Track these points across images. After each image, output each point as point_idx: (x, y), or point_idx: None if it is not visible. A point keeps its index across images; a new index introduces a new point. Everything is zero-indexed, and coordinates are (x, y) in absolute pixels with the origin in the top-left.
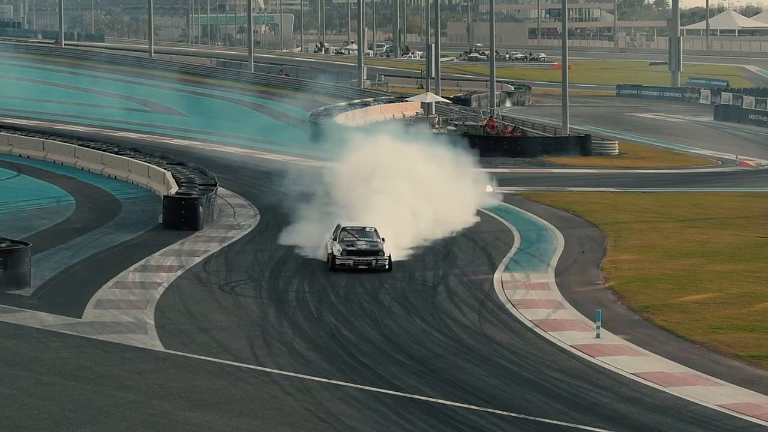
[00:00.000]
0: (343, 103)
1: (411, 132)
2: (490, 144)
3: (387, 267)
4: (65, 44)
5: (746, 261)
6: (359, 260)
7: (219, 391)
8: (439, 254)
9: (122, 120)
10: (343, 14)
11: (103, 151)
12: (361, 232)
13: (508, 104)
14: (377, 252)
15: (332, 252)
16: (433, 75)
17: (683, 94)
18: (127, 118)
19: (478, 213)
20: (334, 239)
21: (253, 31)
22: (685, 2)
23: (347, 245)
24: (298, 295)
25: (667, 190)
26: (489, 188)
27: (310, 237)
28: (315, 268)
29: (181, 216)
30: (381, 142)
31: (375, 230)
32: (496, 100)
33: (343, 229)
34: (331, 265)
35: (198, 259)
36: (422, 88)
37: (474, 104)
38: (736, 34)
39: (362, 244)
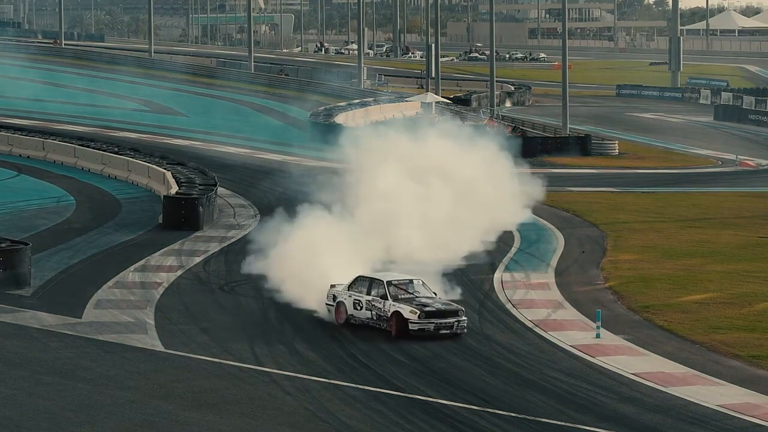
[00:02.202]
0: (343, 103)
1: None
2: None
3: (465, 329)
4: (65, 44)
5: (746, 261)
6: (441, 323)
7: (219, 391)
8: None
9: (122, 120)
10: (343, 14)
11: (103, 151)
12: (409, 285)
13: (508, 104)
14: (457, 312)
15: (394, 312)
16: (433, 75)
17: (683, 94)
18: (127, 118)
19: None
20: (383, 296)
21: (253, 31)
22: (685, 2)
23: (422, 305)
24: None
25: (667, 190)
26: None
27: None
28: None
29: (181, 216)
30: (398, 142)
31: (423, 282)
32: (496, 100)
33: (389, 283)
34: (397, 330)
35: (198, 259)
36: (422, 88)
37: (474, 104)
38: (736, 34)
39: (438, 304)
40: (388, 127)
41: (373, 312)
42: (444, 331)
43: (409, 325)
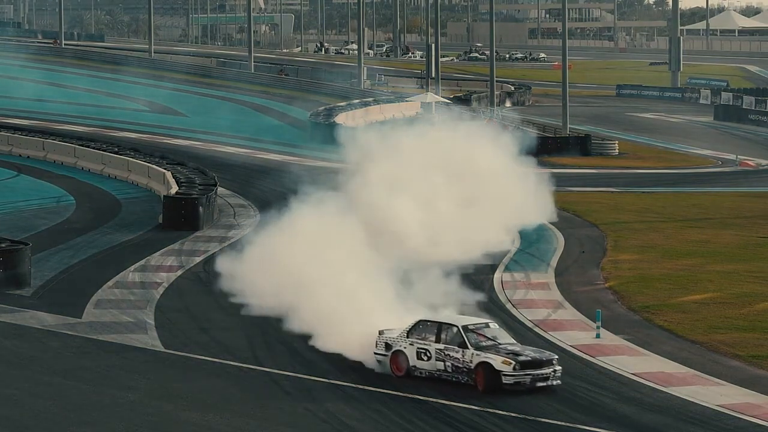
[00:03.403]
0: (343, 103)
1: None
2: None
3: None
4: (65, 44)
5: (746, 261)
6: (538, 375)
7: (219, 391)
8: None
9: (122, 120)
10: (343, 14)
11: (103, 151)
12: (486, 329)
13: (508, 104)
14: (552, 361)
15: (480, 363)
16: (433, 75)
17: (683, 94)
18: (126, 118)
19: None
20: (461, 345)
21: (253, 31)
22: (685, 2)
23: (514, 354)
24: None
25: (667, 190)
26: None
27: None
28: None
29: (181, 216)
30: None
31: (498, 326)
32: (496, 100)
33: (466, 329)
34: (486, 385)
35: (198, 259)
36: (422, 88)
37: (474, 104)
38: (736, 34)
39: (530, 352)
40: (400, 127)
41: (448, 363)
42: (540, 384)
43: (503, 378)
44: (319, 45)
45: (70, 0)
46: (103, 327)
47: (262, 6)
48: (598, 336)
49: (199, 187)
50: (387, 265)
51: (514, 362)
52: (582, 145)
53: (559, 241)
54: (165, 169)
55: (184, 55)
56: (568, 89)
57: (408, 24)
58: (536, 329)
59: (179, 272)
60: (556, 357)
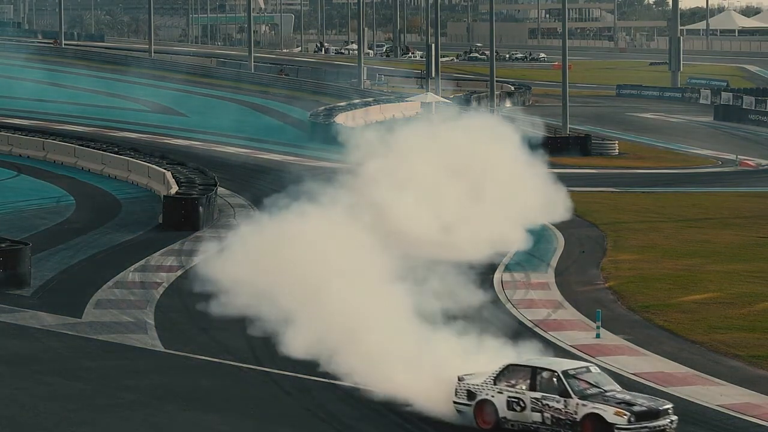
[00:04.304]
0: (343, 103)
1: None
2: None
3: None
4: (65, 44)
5: (746, 261)
6: (655, 427)
7: (219, 391)
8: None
9: (122, 120)
10: (343, 14)
11: (103, 151)
12: (587, 374)
13: (508, 104)
14: (667, 411)
15: (588, 415)
16: (433, 75)
17: (683, 94)
18: (127, 118)
19: None
20: (563, 393)
21: (253, 31)
22: (685, 2)
23: (627, 404)
24: None
25: (667, 190)
26: None
27: None
28: None
29: (181, 216)
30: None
31: (599, 369)
32: (496, 100)
33: (567, 374)
34: None
35: (198, 259)
36: (422, 88)
37: (474, 104)
38: (736, 34)
39: (642, 400)
40: (403, 126)
41: (546, 414)
42: None
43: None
44: (319, 45)
45: (70, 0)
46: (103, 327)
47: (262, 6)
48: (598, 336)
49: (199, 187)
50: (396, 268)
51: (628, 414)
52: (582, 145)
53: (559, 241)
54: (165, 169)
55: (184, 55)
56: (568, 89)
57: (408, 24)
58: (536, 329)
59: (179, 272)
60: (672, 405)
